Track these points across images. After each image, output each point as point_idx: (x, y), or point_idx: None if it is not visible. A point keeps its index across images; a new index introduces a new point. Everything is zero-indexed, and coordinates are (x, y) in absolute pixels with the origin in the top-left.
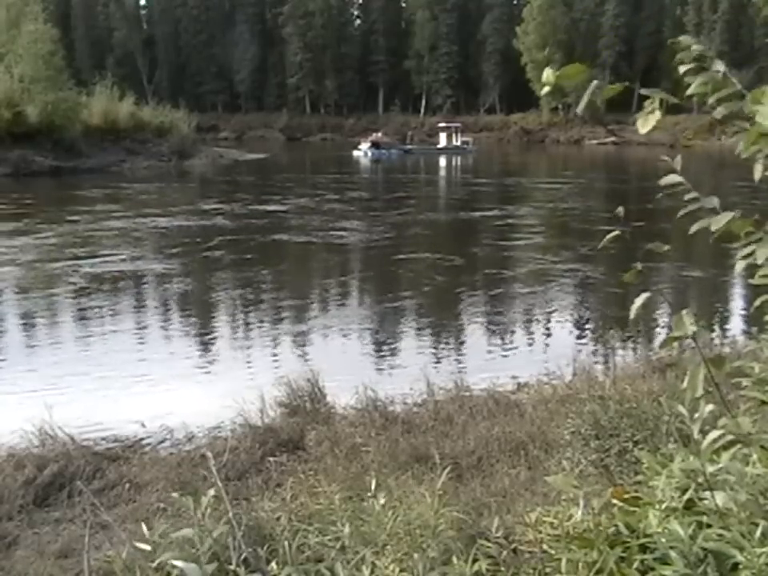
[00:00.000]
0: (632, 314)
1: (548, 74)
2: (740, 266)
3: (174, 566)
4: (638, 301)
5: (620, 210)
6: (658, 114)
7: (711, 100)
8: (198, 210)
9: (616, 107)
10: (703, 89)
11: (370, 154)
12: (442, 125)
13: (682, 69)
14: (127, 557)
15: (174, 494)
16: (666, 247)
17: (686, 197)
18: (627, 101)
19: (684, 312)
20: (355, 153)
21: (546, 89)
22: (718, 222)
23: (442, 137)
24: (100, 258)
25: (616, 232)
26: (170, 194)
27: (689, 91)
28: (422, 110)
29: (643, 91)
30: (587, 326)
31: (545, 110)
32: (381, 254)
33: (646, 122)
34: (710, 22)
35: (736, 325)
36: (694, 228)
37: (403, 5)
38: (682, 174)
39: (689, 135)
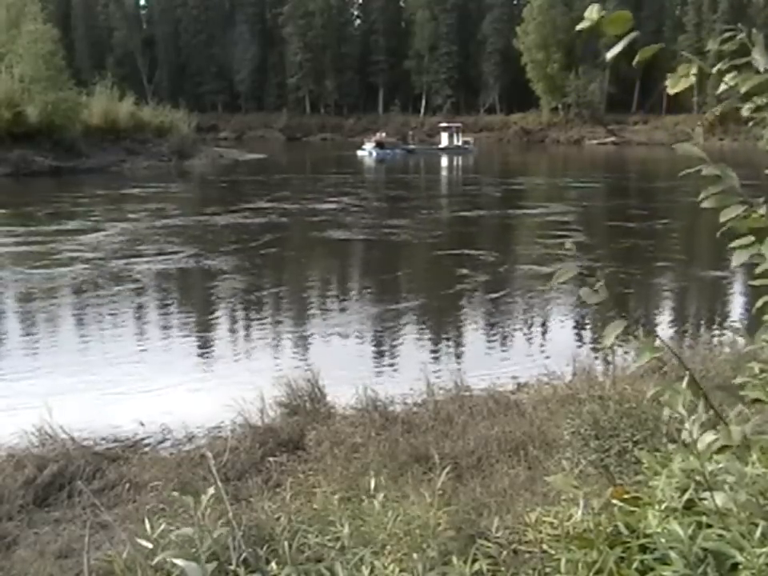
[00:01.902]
0: (607, 341)
1: (593, 9)
2: (738, 257)
3: (173, 566)
4: (612, 328)
5: (569, 244)
6: (692, 78)
7: (743, 89)
8: (227, 210)
9: (616, 107)
10: (742, 82)
11: (374, 153)
12: (443, 125)
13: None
14: (127, 557)
15: (174, 493)
16: (603, 298)
17: (704, 171)
18: (627, 101)
19: (614, 324)
20: (359, 153)
21: (586, 23)
22: (727, 214)
23: (444, 137)
24: (148, 257)
25: (572, 270)
26: (200, 194)
27: (725, 84)
28: (422, 110)
29: (682, 53)
30: (588, 326)
31: (545, 110)
32: (425, 251)
33: (677, 84)
34: (709, 22)
35: (738, 324)
36: (705, 204)
37: (403, 5)
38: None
39: (709, 118)
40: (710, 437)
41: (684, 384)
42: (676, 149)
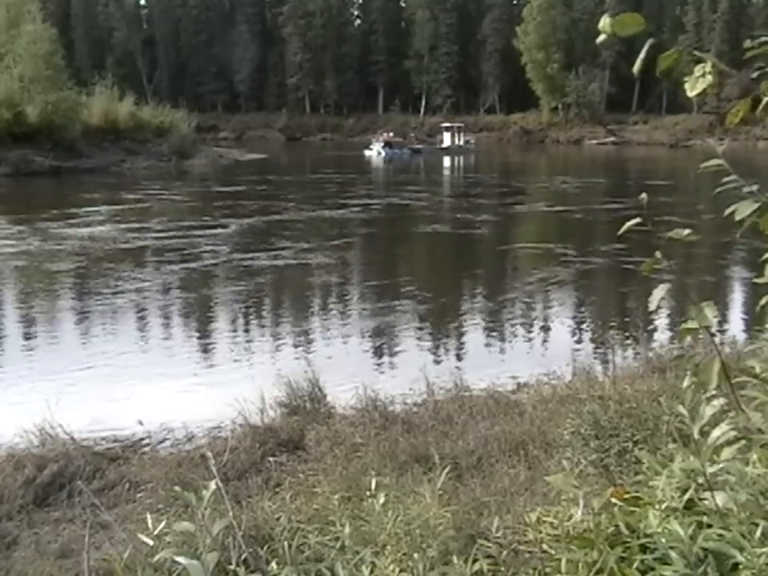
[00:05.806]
0: (653, 305)
1: (605, 21)
2: None
3: (173, 564)
4: (658, 291)
5: (643, 196)
6: (709, 78)
7: None
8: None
9: (616, 107)
10: None
11: (383, 153)
12: (445, 125)
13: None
14: (127, 556)
15: (176, 488)
16: (687, 231)
17: (724, 179)
18: (627, 101)
19: (705, 303)
20: (366, 152)
21: (602, 37)
22: (743, 211)
23: (446, 136)
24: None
25: (637, 219)
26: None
27: None
28: (422, 110)
29: (697, 53)
30: (588, 326)
31: (545, 110)
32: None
33: (696, 86)
34: (709, 22)
35: (738, 323)
36: (728, 211)
37: (403, 5)
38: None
39: (735, 113)
40: (722, 427)
41: (714, 368)
42: (702, 166)
